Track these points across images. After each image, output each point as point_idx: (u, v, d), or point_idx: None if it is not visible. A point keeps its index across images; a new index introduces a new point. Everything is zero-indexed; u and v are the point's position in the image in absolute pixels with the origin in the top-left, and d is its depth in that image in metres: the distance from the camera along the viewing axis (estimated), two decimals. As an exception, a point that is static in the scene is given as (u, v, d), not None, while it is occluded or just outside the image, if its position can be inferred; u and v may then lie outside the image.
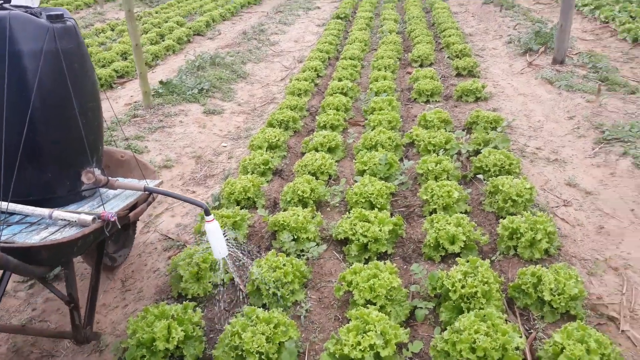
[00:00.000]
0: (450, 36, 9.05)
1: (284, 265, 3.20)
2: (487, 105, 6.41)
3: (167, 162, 5.27)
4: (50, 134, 2.49)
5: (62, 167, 2.59)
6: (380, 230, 3.53)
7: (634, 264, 3.41)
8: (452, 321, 2.81)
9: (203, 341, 2.86)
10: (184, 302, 3.03)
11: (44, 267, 2.38)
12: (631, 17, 9.84)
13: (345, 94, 6.74)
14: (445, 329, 2.71)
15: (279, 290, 3.08)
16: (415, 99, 6.68)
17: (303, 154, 5.36)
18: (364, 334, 2.59)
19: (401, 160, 5.13)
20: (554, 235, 3.46)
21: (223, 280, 3.38)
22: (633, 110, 5.72)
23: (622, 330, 2.83)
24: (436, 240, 3.48)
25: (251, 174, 4.65)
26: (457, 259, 3.16)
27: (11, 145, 2.35)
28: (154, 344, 2.65)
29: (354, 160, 4.95)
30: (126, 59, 9.16)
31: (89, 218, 2.39)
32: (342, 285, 3.09)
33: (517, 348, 2.47)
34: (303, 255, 3.59)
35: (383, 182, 4.25)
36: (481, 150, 4.79)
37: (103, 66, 8.46)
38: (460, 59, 7.93)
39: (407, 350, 2.72)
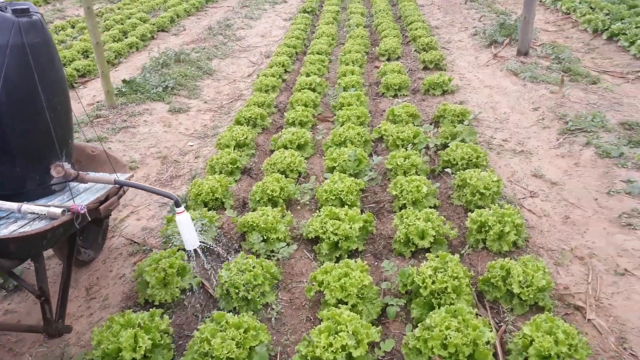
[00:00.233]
0: (416, 29, 9.08)
1: (254, 267, 3.15)
2: (454, 98, 6.46)
3: (132, 164, 5.14)
4: (17, 128, 2.48)
5: (31, 161, 2.60)
6: (350, 228, 3.51)
7: (599, 252, 3.47)
8: (424, 317, 2.82)
9: (172, 349, 2.80)
10: (151, 309, 2.95)
11: (13, 260, 2.40)
12: (591, 8, 10.04)
13: (313, 90, 6.69)
14: (417, 326, 2.71)
15: (249, 293, 3.03)
16: (383, 93, 6.68)
17: (272, 151, 5.30)
18: (336, 335, 2.56)
19: (370, 155, 5.12)
20: (522, 227, 3.50)
21: (191, 285, 3.31)
22: (595, 101, 5.84)
23: (588, 319, 2.87)
24: (406, 236, 3.48)
25: (219, 174, 4.57)
26: (427, 254, 3.16)
27: None
28: (120, 354, 2.57)
29: (323, 157, 4.92)
30: (88, 57, 8.91)
31: (58, 211, 2.41)
32: (313, 285, 3.06)
33: (487, 342, 2.48)
34: (273, 256, 3.54)
35: (353, 178, 4.23)
36: (449, 144, 4.82)
37: (64, 65, 8.20)
38: (427, 52, 7.96)
39: (379, 349, 2.71)
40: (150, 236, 4.08)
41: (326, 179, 4.47)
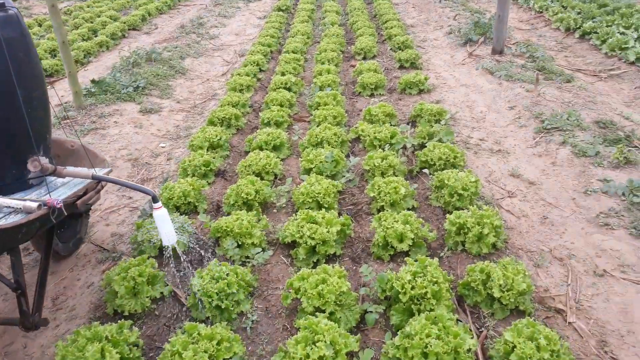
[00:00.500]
0: (392, 28, 9.04)
1: (228, 275, 3.04)
2: (430, 97, 6.42)
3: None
4: None
5: (7, 155, 2.59)
6: (328, 232, 3.42)
7: (577, 253, 3.45)
8: (403, 324, 2.74)
9: (142, 363, 2.67)
10: (120, 319, 2.82)
11: None
12: (563, 6, 10.15)
13: (289, 89, 6.58)
14: (397, 333, 2.63)
15: (222, 302, 2.91)
16: (359, 92, 6.61)
17: (247, 152, 5.18)
18: (313, 345, 2.47)
19: (348, 156, 5.04)
20: (501, 228, 3.46)
21: (163, 293, 3.17)
22: (569, 99, 5.86)
23: (569, 322, 2.84)
24: (384, 239, 3.41)
25: (191, 177, 4.44)
26: (406, 258, 3.09)
27: None
28: (86, 371, 2.44)
29: (300, 158, 4.82)
30: (55, 56, 8.63)
31: (34, 205, 2.41)
32: (289, 292, 2.96)
33: (469, 350, 2.42)
34: (248, 262, 3.43)
35: (330, 180, 4.14)
36: (426, 144, 4.76)
37: (29, 64, 7.91)
38: (402, 51, 7.92)
39: (358, 358, 2.63)
40: (120, 242, 3.92)
41: (303, 180, 4.37)
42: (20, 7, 13.47)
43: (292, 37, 9.00)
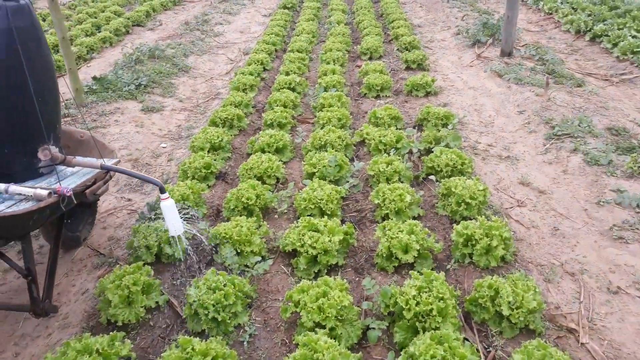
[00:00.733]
0: (399, 27, 8.89)
1: (225, 285, 2.92)
2: (437, 99, 6.28)
3: (100, 167, 4.85)
4: (4, 111, 2.53)
5: (18, 144, 2.65)
6: (330, 241, 3.30)
7: (590, 268, 3.32)
8: (407, 342, 2.62)
9: (133, 378, 2.55)
10: (113, 330, 2.71)
11: (0, 240, 2.49)
12: (573, 8, 9.97)
13: (293, 89, 6.45)
14: (400, 352, 2.51)
15: (219, 314, 2.80)
16: (365, 94, 6.48)
17: (249, 154, 5.06)
18: (313, 365, 2.35)
19: (352, 160, 4.91)
20: (510, 240, 3.33)
21: (158, 303, 3.06)
22: (580, 104, 5.72)
23: (582, 343, 2.71)
24: (389, 249, 3.28)
25: (191, 179, 4.32)
26: (411, 272, 2.97)
27: None
28: (74, 388, 2.33)
29: (303, 161, 4.70)
30: (57, 52, 8.51)
31: (45, 192, 2.47)
32: (289, 305, 2.84)
33: (476, 373, 2.29)
34: (247, 271, 3.31)
35: (333, 185, 4.02)
36: (433, 149, 4.63)
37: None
38: (409, 51, 7.78)
39: (360, 378, 2.51)
40: (117, 247, 3.81)
41: (305, 185, 4.25)
42: (25, 1, 13.37)
43: (297, 35, 8.86)
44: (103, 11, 11.36)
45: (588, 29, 8.62)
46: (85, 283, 3.47)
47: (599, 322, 2.85)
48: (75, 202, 2.64)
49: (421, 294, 2.73)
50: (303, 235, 3.36)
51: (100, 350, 2.51)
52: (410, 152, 4.75)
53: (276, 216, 4.02)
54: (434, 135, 4.82)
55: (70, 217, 3.58)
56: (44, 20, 11.07)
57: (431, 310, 2.65)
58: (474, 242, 3.29)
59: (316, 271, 3.29)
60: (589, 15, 9.18)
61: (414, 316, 2.68)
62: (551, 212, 3.96)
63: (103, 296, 3.02)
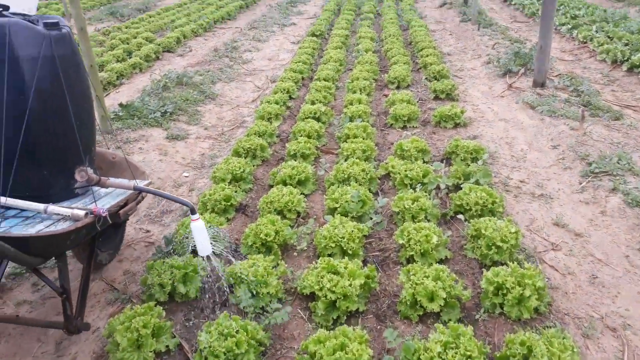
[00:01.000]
0: (427, 56, 8.75)
1: (237, 332, 2.76)
2: (466, 131, 6.08)
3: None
4: (46, 135, 2.65)
5: (57, 166, 2.77)
6: (350, 285, 3.12)
7: (633, 323, 3.05)
8: (432, 405, 2.41)
9: None
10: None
11: (38, 258, 2.53)
12: (609, 37, 9.69)
13: (318, 119, 6.35)
14: (424, 417, 2.30)
15: (230, 365, 2.64)
16: (391, 124, 6.32)
17: (271, 186, 4.94)
18: None
19: (376, 194, 4.74)
20: (544, 290, 3.09)
21: (168, 347, 2.92)
22: (618, 139, 5.44)
23: (626, 412, 2.45)
24: (413, 296, 3.08)
25: (211, 212, 4.22)
26: (436, 324, 2.76)
27: (10, 145, 2.51)
28: None
29: (325, 195, 4.55)
30: (88, 77, 8.64)
31: (82, 213, 2.56)
32: (304, 357, 2.67)
33: None
34: (263, 314, 3.15)
35: (355, 223, 3.85)
36: (461, 185, 4.43)
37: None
38: (438, 80, 7.62)
39: None
40: (132, 282, 3.70)
41: (326, 221, 4.09)
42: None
43: (324, 64, 8.80)
44: (135, 37, 11.56)
45: (625, 58, 8.33)
46: (97, 320, 3.35)
47: (645, 389, 2.59)
48: (110, 222, 2.72)
49: (447, 350, 2.52)
50: (322, 278, 3.19)
51: (104, 401, 2.37)
52: (438, 188, 4.55)
53: (295, 254, 3.87)
54: (462, 170, 4.62)
55: (100, 237, 3.61)
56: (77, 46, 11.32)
57: (458, 369, 2.44)
58: (505, 292, 3.06)
59: (335, 317, 3.11)
60: (626, 44, 8.89)
61: (439, 375, 2.47)
62: (589, 258, 3.71)
63: (112, 338, 2.90)
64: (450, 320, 3.03)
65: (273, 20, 14.43)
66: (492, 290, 3.11)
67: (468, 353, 2.49)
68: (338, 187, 4.56)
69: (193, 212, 2.81)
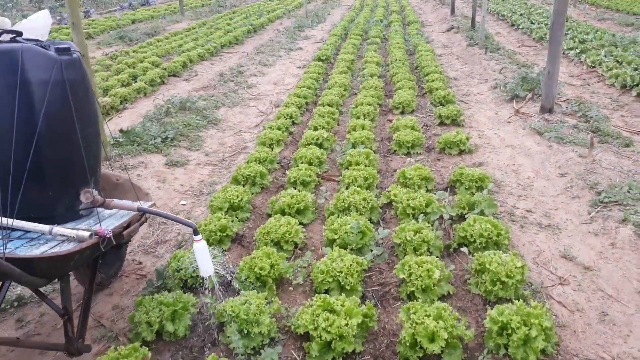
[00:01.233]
0: (433, 81, 8.67)
1: (225, 376, 2.61)
2: (472, 158, 5.94)
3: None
4: (54, 157, 2.69)
5: (63, 187, 2.79)
6: (346, 325, 2.96)
7: (648, 366, 2.86)
8: None
9: None
10: None
11: (43, 279, 2.55)
12: (617, 61, 9.58)
13: (320, 145, 6.25)
14: None
15: (215, 412, 2.48)
16: (395, 150, 6.20)
17: (269, 215, 4.81)
18: None
19: (378, 223, 4.60)
20: (551, 330, 2.92)
21: (152, 391, 2.77)
22: (629, 167, 5.27)
23: None
24: (413, 337, 2.91)
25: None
26: (436, 369, 2.59)
27: (17, 166, 2.54)
28: None
29: (324, 225, 4.41)
30: (92, 102, 8.63)
31: (87, 234, 2.58)
32: (294, 404, 2.50)
33: None
34: (255, 355, 2.99)
35: (354, 256, 3.70)
36: (466, 216, 4.28)
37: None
38: (443, 106, 7.52)
39: None
40: (120, 318, 3.55)
41: (325, 254, 3.94)
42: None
43: (329, 88, 8.74)
44: (142, 61, 11.61)
45: (635, 83, 8.20)
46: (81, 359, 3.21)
47: None
48: (114, 243, 2.74)
49: (446, 400, 2.35)
50: (317, 317, 3.03)
51: None
52: (441, 218, 4.40)
53: (291, 288, 3.72)
54: (467, 200, 4.47)
55: (101, 259, 3.60)
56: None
57: (458, 421, 2.26)
58: (509, 332, 2.89)
59: (330, 359, 2.94)
60: (635, 69, 8.76)
61: None
62: (598, 293, 3.52)
63: (93, 382, 2.76)
64: (451, 363, 2.86)
65: (280, 44, 14.49)
66: (497, 330, 2.94)
67: (469, 403, 2.31)
68: (338, 216, 4.43)
69: (196, 232, 2.80)
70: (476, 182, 4.86)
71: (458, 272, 3.79)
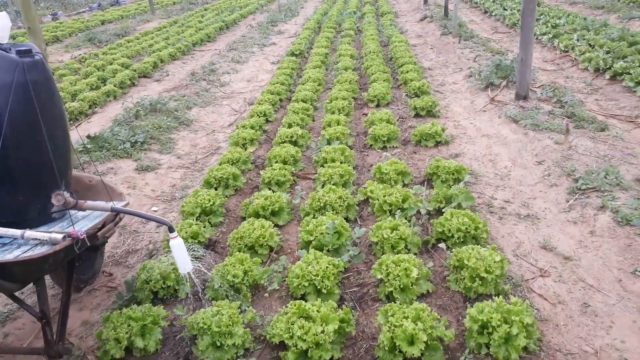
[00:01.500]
0: (408, 72, 8.59)
1: (196, 395, 2.49)
2: (448, 149, 5.87)
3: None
4: (20, 160, 2.66)
5: (33, 191, 2.77)
6: (323, 332, 2.85)
7: (631, 356, 2.81)
8: None
9: None
10: None
11: (17, 284, 2.56)
12: (590, 45, 9.59)
13: (295, 143, 6.12)
14: None
15: None
16: (371, 145, 6.10)
17: (243, 218, 4.68)
18: None
19: (355, 221, 4.50)
20: (533, 326, 2.85)
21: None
22: (605, 152, 5.24)
23: None
24: (392, 340, 2.82)
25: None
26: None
27: None
28: None
29: (300, 226, 4.29)
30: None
31: (60, 236, 2.57)
32: (269, 420, 2.39)
33: None
34: (228, 368, 2.87)
35: (330, 258, 3.59)
36: (443, 210, 4.20)
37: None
38: (418, 97, 7.44)
39: None
40: (89, 334, 3.40)
41: (300, 257, 3.82)
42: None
43: (303, 84, 8.60)
44: (111, 63, 11.32)
45: (607, 66, 8.20)
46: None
47: None
48: (88, 244, 2.72)
49: (427, 408, 2.25)
50: (292, 325, 2.92)
51: None
52: (419, 213, 4.32)
53: (267, 295, 3.59)
54: (444, 193, 4.39)
55: (79, 261, 3.63)
56: (52, 73, 11.06)
57: None
58: (490, 330, 2.82)
59: (307, 368, 2.84)
60: (608, 52, 8.77)
61: None
62: (579, 284, 3.47)
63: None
64: (432, 365, 2.77)
65: (253, 40, 14.28)
66: (477, 329, 2.86)
67: (450, 410, 2.22)
68: (314, 217, 4.33)
69: (171, 230, 2.76)
70: (453, 174, 4.79)
71: (437, 268, 3.71)
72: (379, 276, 3.42)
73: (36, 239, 2.60)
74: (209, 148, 6.77)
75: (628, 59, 8.09)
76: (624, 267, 3.55)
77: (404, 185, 4.94)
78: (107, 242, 4.07)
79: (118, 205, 3.09)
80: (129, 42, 14.49)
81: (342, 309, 3.10)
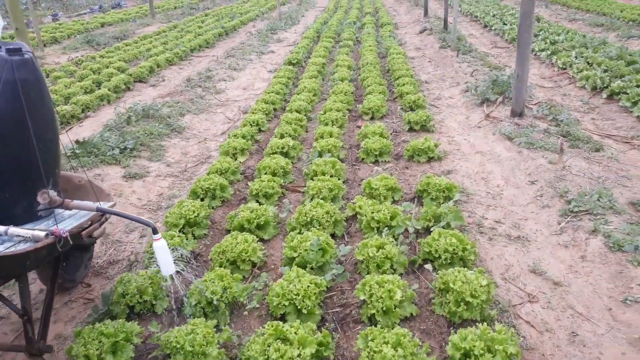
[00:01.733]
0: (404, 85, 8.52)
1: (162, 421, 2.38)
2: (441, 165, 5.79)
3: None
4: (7, 157, 2.67)
5: (19, 188, 2.79)
6: (299, 356, 2.75)
7: (618, 392, 2.71)
8: None
9: None
10: None
11: None
12: (588, 63, 9.56)
13: (286, 154, 6.03)
14: None
15: None
16: (362, 158, 6.02)
17: (228, 231, 4.58)
18: None
19: (343, 237, 4.41)
20: (518, 356, 2.75)
21: None
22: (599, 173, 5.16)
23: None
24: (370, 367, 2.72)
25: (157, 266, 3.83)
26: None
27: None
28: None
29: (284, 241, 4.19)
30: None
31: (42, 234, 2.60)
32: None
33: None
34: (199, 391, 2.76)
35: (313, 277, 3.49)
36: (432, 228, 4.11)
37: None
38: (413, 111, 7.37)
39: None
40: (61, 349, 3.29)
41: (283, 274, 3.72)
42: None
43: (298, 94, 8.52)
44: (107, 67, 11.24)
45: (605, 85, 8.16)
46: None
47: None
48: (71, 243, 2.72)
49: None
50: (268, 347, 2.82)
51: None
52: (407, 231, 4.22)
53: (246, 313, 3.49)
54: (433, 212, 4.30)
55: (66, 260, 3.66)
56: (47, 76, 10.99)
57: None
58: (473, 359, 2.72)
59: (281, 394, 2.73)
60: (605, 71, 8.73)
61: None
62: (568, 311, 3.37)
63: None
64: (411, 395, 2.67)
65: (252, 48, 14.24)
66: (459, 357, 2.76)
67: None
68: (300, 232, 4.24)
69: (155, 232, 2.77)
70: (443, 192, 4.70)
71: (423, 290, 3.61)
72: (362, 297, 3.32)
73: (19, 235, 2.63)
74: (199, 157, 6.67)
75: (625, 78, 8.05)
76: (615, 294, 3.46)
77: (394, 201, 4.85)
78: (95, 242, 4.06)
79: (104, 205, 3.09)
80: (127, 45, 14.45)
81: (321, 331, 3.00)
